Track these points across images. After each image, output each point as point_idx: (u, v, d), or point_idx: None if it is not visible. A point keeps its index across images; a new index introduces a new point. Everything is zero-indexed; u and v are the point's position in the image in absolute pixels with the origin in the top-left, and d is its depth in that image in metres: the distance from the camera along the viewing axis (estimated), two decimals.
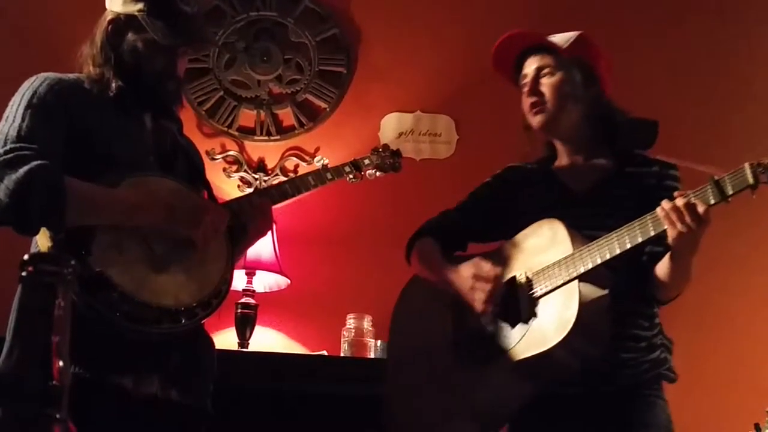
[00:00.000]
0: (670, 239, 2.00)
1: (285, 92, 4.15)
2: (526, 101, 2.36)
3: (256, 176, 4.02)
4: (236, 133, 4.09)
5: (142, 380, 1.95)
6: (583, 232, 2.17)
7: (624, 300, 2.14)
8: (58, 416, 0.92)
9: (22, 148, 1.86)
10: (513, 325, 2.18)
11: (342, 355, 3.49)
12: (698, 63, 4.15)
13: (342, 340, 3.51)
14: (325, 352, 3.56)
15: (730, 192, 1.93)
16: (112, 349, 1.89)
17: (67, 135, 1.98)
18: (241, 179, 4.02)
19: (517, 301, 2.20)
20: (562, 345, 2.04)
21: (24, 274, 0.94)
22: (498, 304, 2.21)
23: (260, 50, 4.14)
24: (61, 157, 1.92)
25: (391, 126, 4.14)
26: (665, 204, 1.99)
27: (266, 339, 3.75)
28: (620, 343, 2.17)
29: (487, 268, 2.23)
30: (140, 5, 2.09)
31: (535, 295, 2.17)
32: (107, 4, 2.17)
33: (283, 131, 4.13)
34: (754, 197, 1.93)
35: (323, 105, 4.15)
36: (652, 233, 2.03)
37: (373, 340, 3.49)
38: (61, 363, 0.93)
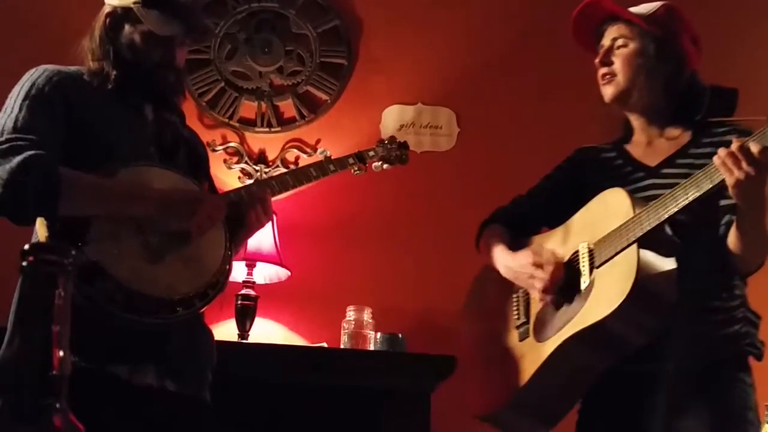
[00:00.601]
0: (730, 189, 1.88)
1: (286, 84, 4.14)
2: (599, 72, 2.27)
3: (257, 168, 4.01)
4: (237, 125, 4.09)
5: (138, 370, 1.94)
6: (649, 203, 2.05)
7: (697, 271, 2.01)
8: (58, 406, 0.92)
9: (18, 138, 1.87)
10: (574, 302, 2.10)
11: (342, 347, 3.49)
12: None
13: (342, 332, 3.51)
14: (325, 344, 3.56)
15: None
16: (108, 339, 1.88)
17: (66, 126, 1.98)
18: (242, 171, 4.01)
19: (579, 275, 2.12)
20: (616, 315, 1.93)
21: (24, 264, 0.94)
22: (557, 291, 2.13)
23: (261, 41, 4.13)
24: (59, 148, 1.93)
25: (392, 118, 4.13)
26: (721, 151, 1.86)
27: (266, 330, 3.75)
28: (693, 316, 2.02)
29: (546, 255, 2.17)
30: None
31: (595, 265, 2.07)
32: None
33: (284, 123, 4.12)
34: None
35: (324, 97, 4.14)
36: (709, 186, 1.89)
37: (373, 332, 3.50)
38: (61, 353, 0.93)
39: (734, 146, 1.85)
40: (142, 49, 2.10)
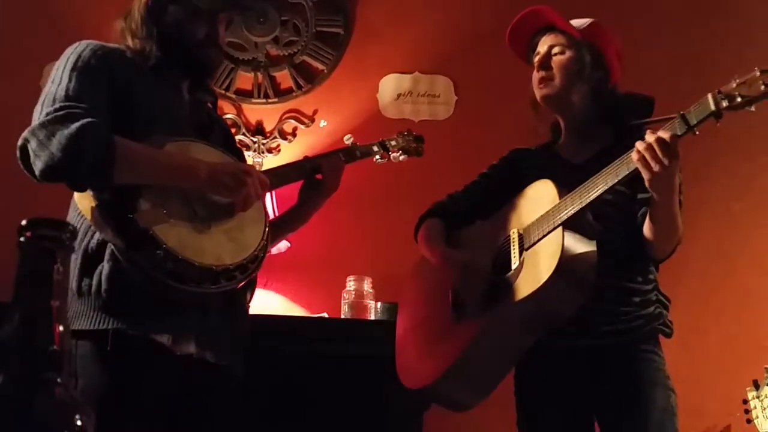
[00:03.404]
0: (646, 181, 2.05)
1: (282, 54, 4.12)
2: (536, 76, 2.45)
3: (255, 139, 4.01)
4: (234, 96, 4.08)
5: (180, 339, 2.01)
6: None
7: (617, 257, 2.23)
8: (59, 380, 0.92)
9: (72, 106, 1.92)
10: (504, 281, 2.26)
11: (342, 317, 3.51)
12: (696, 56, 4.11)
13: (342, 302, 3.53)
14: (325, 314, 3.58)
15: (694, 121, 1.97)
16: (152, 306, 1.95)
17: (110, 98, 2.02)
18: (240, 142, 3.98)
19: (509, 258, 2.29)
20: (544, 290, 2.10)
21: (22, 239, 0.94)
22: (486, 284, 2.32)
23: (257, 12, 4.10)
24: (108, 117, 1.98)
25: (389, 87, 4.12)
26: (638, 144, 2.03)
27: (267, 302, 3.76)
28: (613, 295, 2.26)
29: (479, 259, 2.35)
30: None
31: (525, 247, 2.24)
32: None
33: (281, 94, 4.11)
34: (718, 125, 1.95)
35: (321, 67, 4.13)
36: (626, 172, 2.08)
37: (373, 302, 3.51)
38: (61, 328, 0.93)
39: (649, 138, 2.01)
40: (188, 27, 2.16)
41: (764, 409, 3.02)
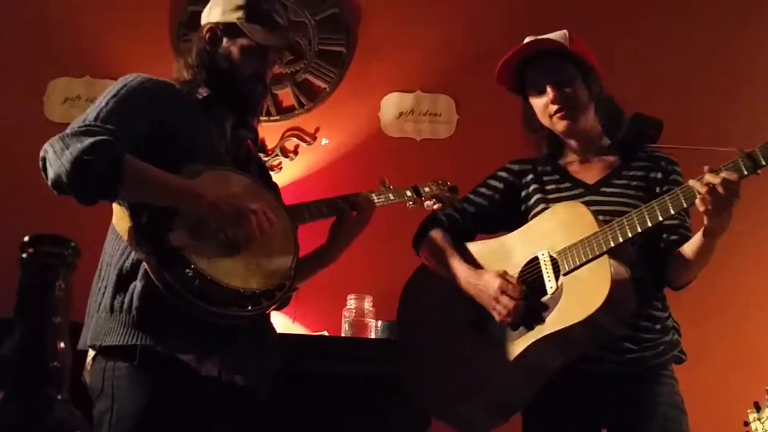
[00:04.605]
0: (703, 212, 2.03)
1: (284, 72, 4.13)
2: (549, 107, 2.39)
3: None
4: None
5: (205, 360, 2.05)
6: (597, 215, 2.23)
7: (639, 281, 2.20)
8: (59, 397, 0.92)
9: (96, 125, 1.98)
10: (537, 307, 2.22)
11: (343, 335, 3.49)
12: (695, 54, 4.13)
13: (343, 320, 3.52)
14: (325, 333, 3.56)
15: (763, 163, 1.99)
16: (180, 326, 1.99)
17: (151, 128, 2.08)
18: None
19: (541, 283, 2.24)
20: (590, 319, 2.08)
21: (24, 255, 0.93)
22: (518, 318, 2.26)
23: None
24: (135, 142, 2.02)
25: (391, 106, 4.13)
26: (697, 184, 2.02)
27: None
28: (640, 323, 2.24)
29: (512, 286, 2.27)
30: (240, 13, 2.25)
31: (562, 272, 2.20)
32: (203, 18, 2.32)
33: (283, 111, 4.12)
34: None
35: (323, 85, 4.14)
36: (684, 204, 2.07)
37: (374, 321, 3.50)
38: (62, 344, 0.93)
39: (713, 178, 2.00)
40: (238, 61, 2.25)
41: (766, 431, 3.01)
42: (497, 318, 2.27)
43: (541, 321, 2.19)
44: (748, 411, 3.10)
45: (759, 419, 3.06)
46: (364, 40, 4.18)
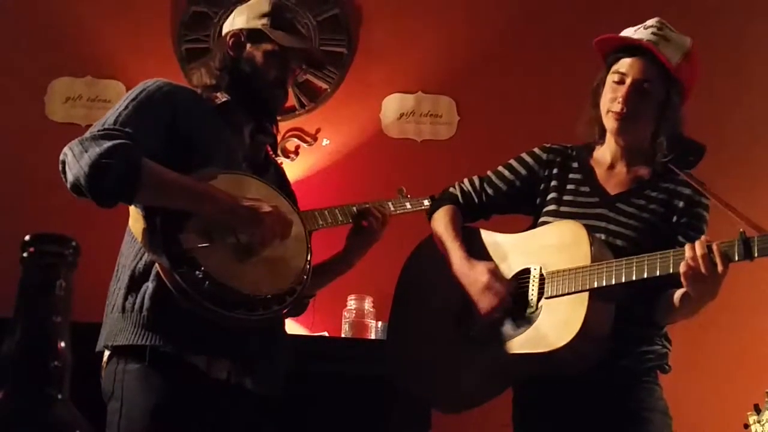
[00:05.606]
0: (682, 275, 2.02)
1: None
2: (615, 103, 2.29)
3: None
4: None
5: (215, 362, 2.08)
6: (601, 232, 2.24)
7: (628, 316, 2.20)
8: (59, 397, 0.92)
9: (114, 129, 2.00)
10: (516, 317, 2.26)
11: (343, 336, 3.49)
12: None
13: (343, 321, 3.52)
14: (326, 333, 3.56)
15: (756, 255, 1.97)
16: (190, 327, 2.01)
17: (169, 131, 2.10)
18: None
19: (526, 295, 2.26)
20: (563, 349, 2.11)
21: (25, 254, 0.93)
22: (501, 314, 2.29)
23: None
24: (153, 146, 2.04)
25: (392, 107, 4.13)
26: (691, 248, 2.01)
27: None
28: (630, 334, 2.24)
29: (500, 284, 2.29)
30: (264, 20, 2.29)
31: (545, 294, 2.21)
32: (227, 26, 2.36)
33: (284, 112, 4.10)
34: None
35: (324, 86, 4.14)
36: (671, 270, 2.05)
37: (374, 321, 3.50)
38: (62, 344, 0.93)
39: (701, 251, 1.99)
40: (262, 66, 2.28)
41: None
42: (481, 312, 2.30)
43: (512, 336, 2.23)
44: (748, 413, 3.09)
45: (759, 422, 3.05)
46: (365, 41, 4.18)
